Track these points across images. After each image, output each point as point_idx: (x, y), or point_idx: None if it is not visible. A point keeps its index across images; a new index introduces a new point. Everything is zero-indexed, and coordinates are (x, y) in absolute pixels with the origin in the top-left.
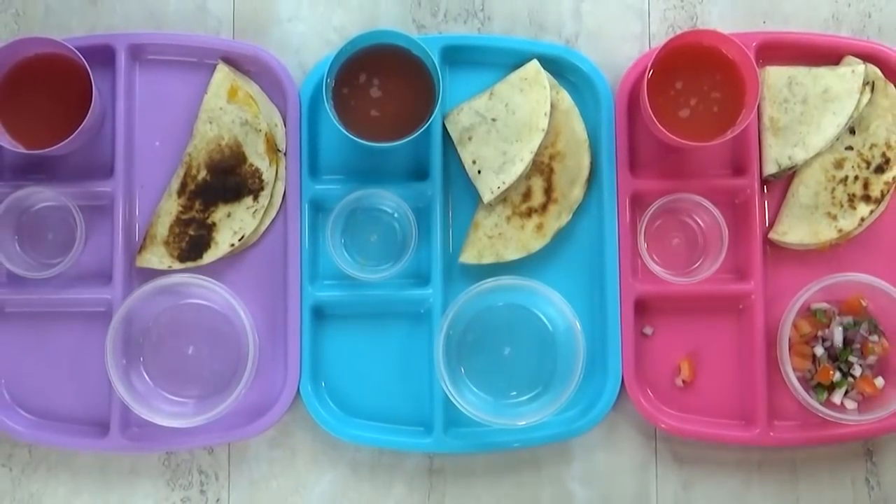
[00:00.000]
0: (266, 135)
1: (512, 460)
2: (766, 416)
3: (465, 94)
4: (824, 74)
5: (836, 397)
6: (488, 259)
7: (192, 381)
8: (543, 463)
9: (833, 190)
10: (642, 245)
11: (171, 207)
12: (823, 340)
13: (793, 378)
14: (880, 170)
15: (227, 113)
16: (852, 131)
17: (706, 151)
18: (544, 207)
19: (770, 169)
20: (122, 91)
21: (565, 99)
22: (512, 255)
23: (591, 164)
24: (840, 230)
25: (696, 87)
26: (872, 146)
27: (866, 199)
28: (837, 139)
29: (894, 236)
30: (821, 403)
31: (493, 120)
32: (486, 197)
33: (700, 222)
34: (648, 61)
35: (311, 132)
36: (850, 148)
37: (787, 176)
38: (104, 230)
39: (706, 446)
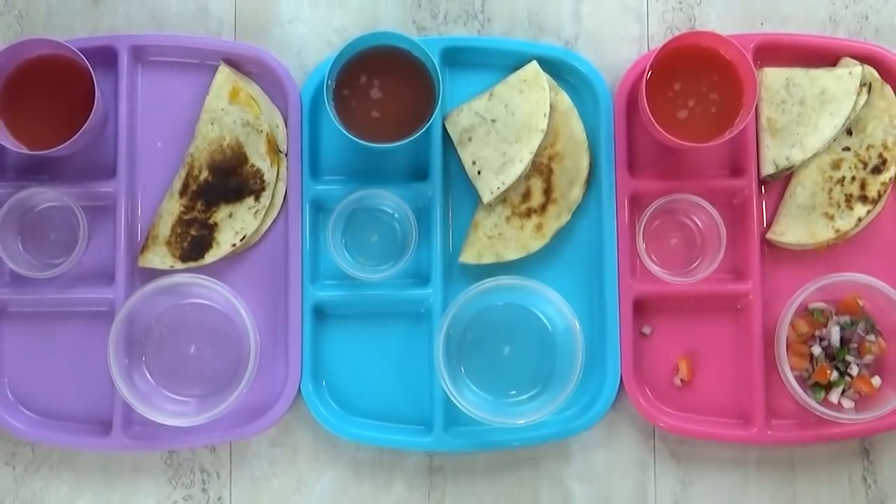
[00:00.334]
0: (267, 135)
1: (511, 459)
2: (763, 414)
3: (465, 95)
4: (821, 76)
5: (834, 396)
6: (488, 259)
7: (193, 380)
8: (543, 461)
9: (830, 190)
10: (641, 245)
11: (173, 208)
12: (821, 340)
13: (790, 377)
14: (877, 170)
15: (229, 114)
16: (849, 132)
17: (704, 152)
18: (543, 208)
19: (768, 169)
20: (125, 92)
21: (564, 100)
22: (511, 255)
23: (590, 164)
24: (837, 230)
25: (695, 88)
26: (869, 147)
27: (863, 199)
28: (834, 140)
29: (891, 236)
30: (818, 402)
31: (493, 121)
32: (486, 197)
33: (698, 222)
34: (647, 63)
35: (312, 133)
36: (847, 149)
37: (785, 176)
38: (107, 230)
39: (704, 445)
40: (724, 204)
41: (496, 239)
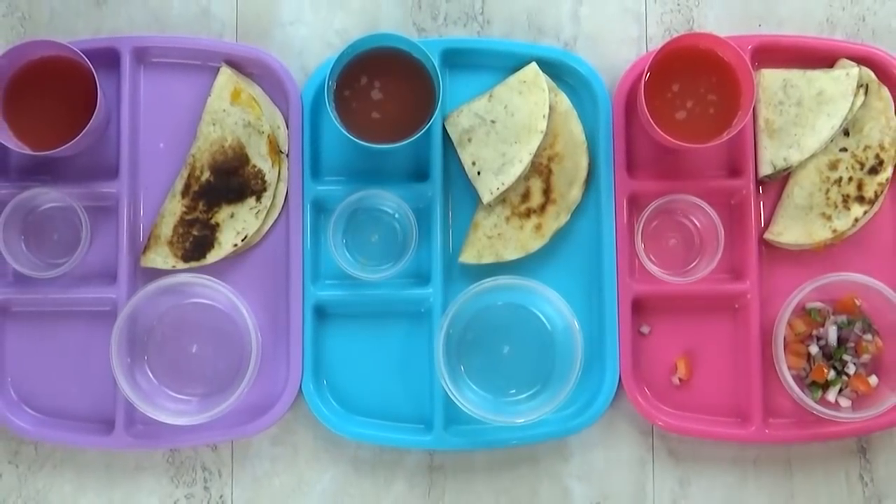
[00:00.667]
0: (269, 136)
1: (511, 457)
2: (761, 413)
3: (465, 96)
4: (819, 77)
5: (831, 395)
6: (488, 259)
7: (195, 379)
8: (542, 460)
9: (827, 191)
10: (639, 245)
11: (174, 208)
12: (818, 339)
13: (788, 376)
14: (874, 171)
15: (231, 115)
16: (846, 133)
17: (702, 153)
18: (543, 208)
19: (765, 170)
20: (127, 93)
21: (563, 101)
22: (511, 255)
23: (589, 165)
24: (834, 230)
25: (693, 89)
26: (866, 148)
27: (860, 199)
28: (832, 141)
29: (888, 236)
30: (815, 401)
31: (493, 122)
32: (486, 198)
33: (696, 223)
34: (645, 64)
35: (313, 134)
36: (844, 149)
37: (783, 177)
38: (109, 230)
39: (702, 443)
40: (722, 204)
41: (496, 239)
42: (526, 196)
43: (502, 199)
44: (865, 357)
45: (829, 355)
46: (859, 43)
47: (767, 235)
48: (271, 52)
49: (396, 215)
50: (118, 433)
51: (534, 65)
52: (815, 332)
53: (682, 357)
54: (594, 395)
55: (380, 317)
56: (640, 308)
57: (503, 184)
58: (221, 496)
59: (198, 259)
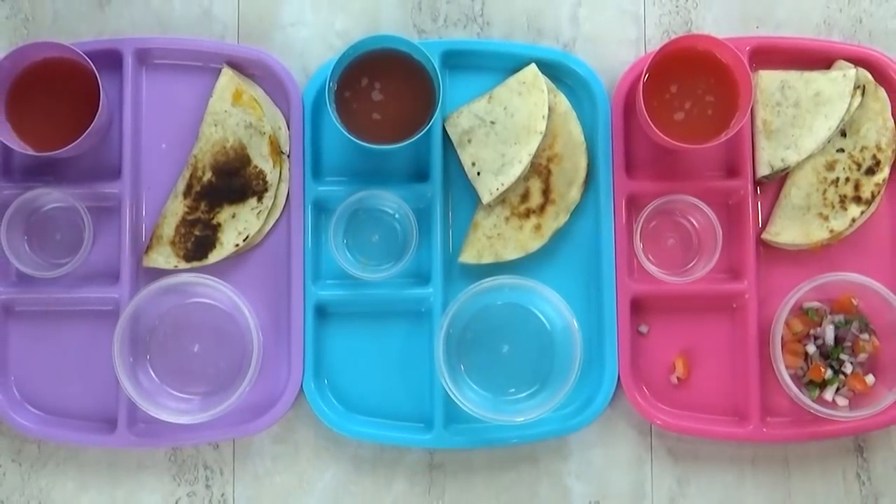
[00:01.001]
0: (270, 137)
1: (510, 456)
2: (759, 412)
3: (465, 97)
4: (816, 78)
5: (828, 394)
6: (487, 259)
7: (197, 378)
8: (541, 458)
9: (825, 191)
10: (638, 245)
11: (177, 208)
12: (815, 339)
13: (785, 375)
14: (871, 171)
15: (232, 116)
16: (843, 134)
17: (701, 153)
18: (542, 208)
19: (763, 171)
20: (129, 94)
21: (563, 102)
22: (510, 255)
23: (588, 165)
24: (832, 231)
25: (691, 90)
26: (863, 148)
27: (857, 200)
28: (829, 142)
29: (884, 237)
30: (813, 400)
31: (492, 123)
32: (486, 198)
33: (694, 223)
34: (644, 65)
35: (314, 135)
36: (841, 150)
37: (780, 177)
38: (111, 231)
39: (700, 442)
40: (720, 204)
41: (495, 239)
42: (525, 196)
43: (502, 199)
44: (862, 356)
45: (826, 354)
46: (856, 44)
47: (765, 235)
48: (272, 54)
49: (397, 215)
50: (120, 432)
51: (533, 66)
52: (812, 332)
53: (680, 356)
54: (593, 394)
55: (380, 316)
56: (638, 308)
57: (503, 184)
58: (223, 494)
59: (200, 259)
